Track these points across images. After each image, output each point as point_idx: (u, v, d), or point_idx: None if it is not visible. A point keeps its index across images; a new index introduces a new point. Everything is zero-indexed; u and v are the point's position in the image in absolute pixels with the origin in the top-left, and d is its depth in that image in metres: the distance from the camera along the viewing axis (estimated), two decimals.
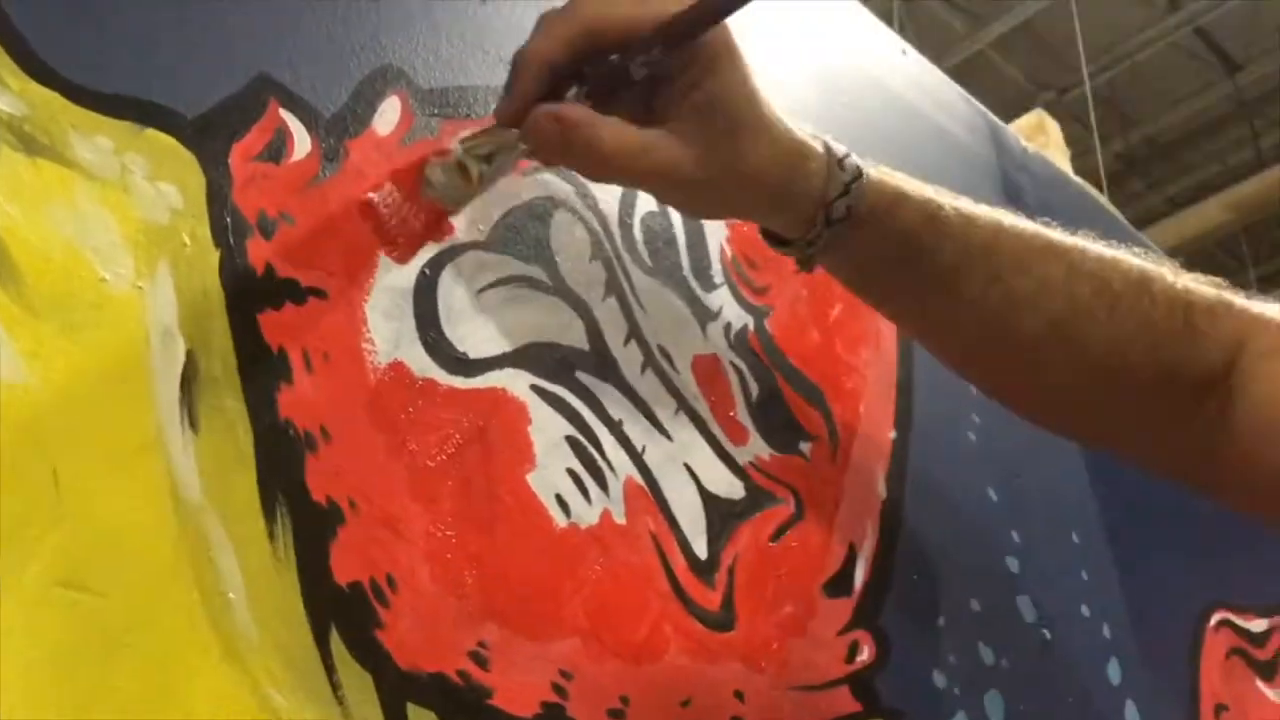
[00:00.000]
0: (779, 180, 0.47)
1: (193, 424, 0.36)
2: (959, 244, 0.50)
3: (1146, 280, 0.51)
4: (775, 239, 0.52)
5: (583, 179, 0.53)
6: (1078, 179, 1.05)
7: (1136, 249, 0.53)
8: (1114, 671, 0.71)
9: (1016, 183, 0.90)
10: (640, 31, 0.43)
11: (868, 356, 0.66)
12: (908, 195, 0.49)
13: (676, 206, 0.53)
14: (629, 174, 0.45)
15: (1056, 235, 0.52)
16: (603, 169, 0.45)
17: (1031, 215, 0.87)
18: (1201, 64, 4.77)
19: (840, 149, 0.49)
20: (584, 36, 0.44)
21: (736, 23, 0.44)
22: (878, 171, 0.49)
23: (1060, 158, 1.26)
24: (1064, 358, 0.50)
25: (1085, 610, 0.72)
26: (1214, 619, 0.85)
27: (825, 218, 0.48)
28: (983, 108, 0.91)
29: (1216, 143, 5.18)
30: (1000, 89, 4.65)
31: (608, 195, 0.54)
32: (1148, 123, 5.16)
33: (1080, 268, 0.50)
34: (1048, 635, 0.67)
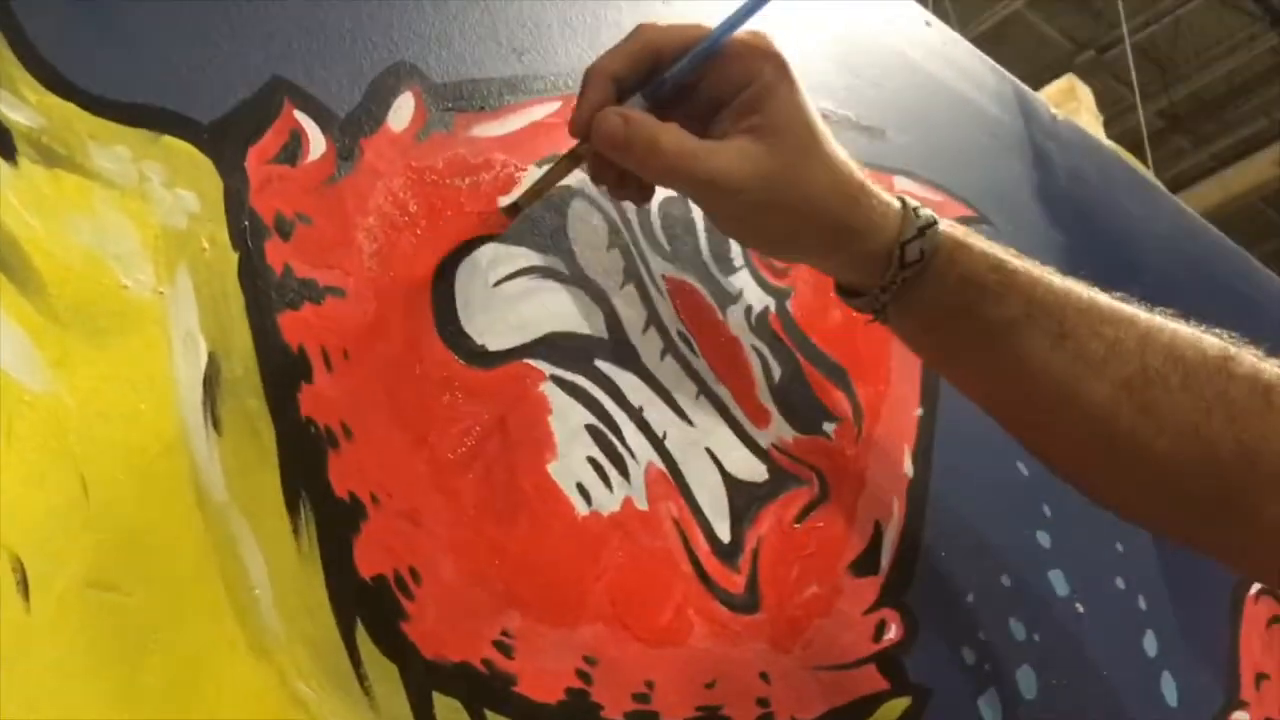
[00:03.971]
0: (837, 212, 0.47)
1: (216, 425, 0.36)
2: (1025, 296, 0.49)
3: (1226, 357, 0.48)
4: (848, 293, 0.52)
5: None
6: (1110, 144, 1.03)
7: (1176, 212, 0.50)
8: (1150, 644, 0.71)
9: (1045, 151, 0.89)
10: (695, 42, 0.46)
11: (892, 334, 0.65)
12: (972, 244, 0.49)
13: (737, 231, 0.51)
14: (685, 176, 0.45)
15: (1129, 305, 0.50)
16: (660, 167, 0.45)
17: (1060, 183, 0.86)
18: (1245, 16, 4.66)
19: (913, 200, 0.49)
20: (644, 50, 0.46)
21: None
22: (944, 223, 0.49)
23: (1092, 122, 1.24)
24: (1134, 425, 0.48)
25: (1120, 583, 0.71)
26: (1254, 588, 0.84)
27: (900, 260, 0.48)
28: (1011, 76, 0.90)
29: (1262, 97, 5.07)
30: (1039, 49, 4.58)
31: None
32: (1190, 79, 5.06)
33: (1155, 336, 0.49)
34: (1080, 609, 0.67)
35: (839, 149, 0.47)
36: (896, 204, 0.49)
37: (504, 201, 0.49)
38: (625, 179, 0.48)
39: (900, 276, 0.48)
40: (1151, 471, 0.49)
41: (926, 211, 0.49)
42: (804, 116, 0.46)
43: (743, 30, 0.46)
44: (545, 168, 0.49)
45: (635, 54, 0.46)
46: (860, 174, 0.48)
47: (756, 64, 0.46)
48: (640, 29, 0.46)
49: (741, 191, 0.45)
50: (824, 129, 0.47)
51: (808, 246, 0.50)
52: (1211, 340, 0.49)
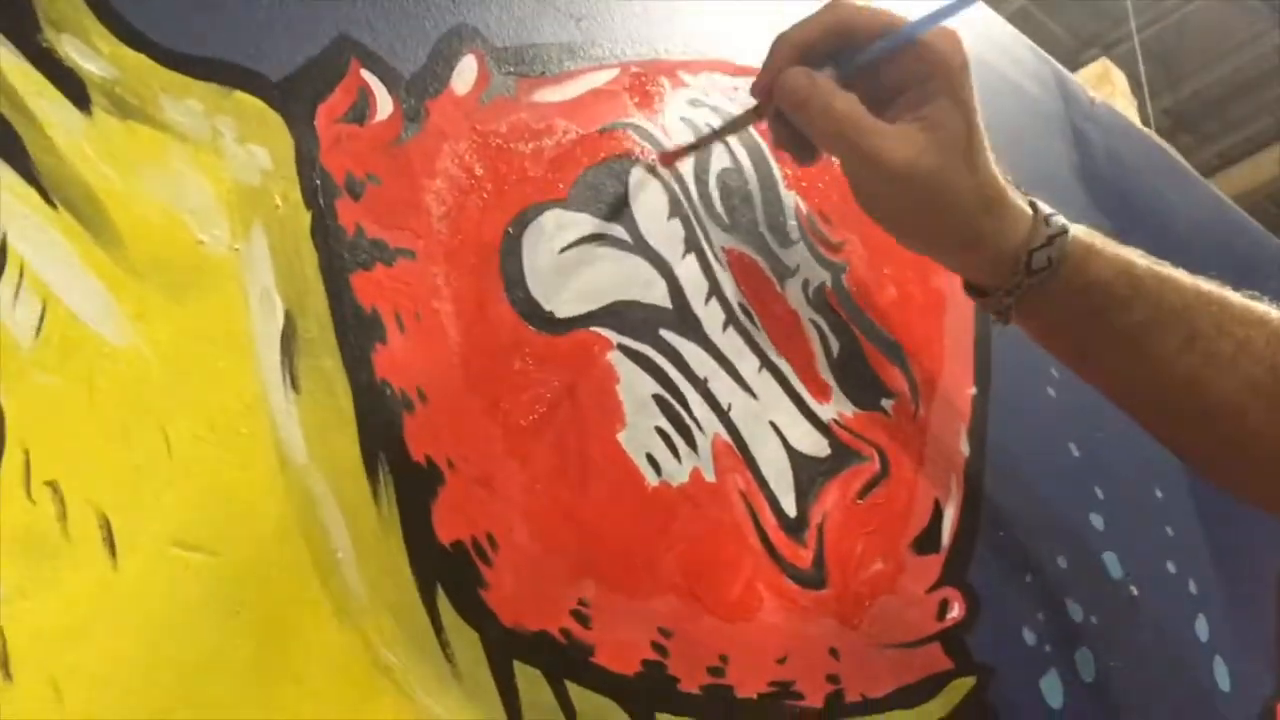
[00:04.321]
0: (973, 212, 0.48)
1: (294, 385, 0.35)
2: (1153, 300, 0.49)
3: None
4: (975, 290, 0.53)
5: (658, 133, 0.52)
6: (1146, 129, 1.02)
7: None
8: (1202, 628, 0.70)
9: (1085, 133, 0.88)
10: (889, 29, 0.48)
11: (945, 312, 0.64)
12: (1101, 250, 0.50)
13: (879, 210, 0.51)
14: (850, 144, 0.47)
15: (1258, 303, 0.51)
16: (830, 130, 0.47)
17: (1100, 165, 0.85)
18: (1251, 14, 4.65)
19: (1046, 208, 0.50)
20: (836, 24, 0.48)
21: None
22: (1076, 229, 0.50)
23: (1127, 107, 1.23)
24: (1265, 423, 0.49)
25: (1171, 566, 0.70)
26: None
27: (1027, 266, 0.49)
28: (1050, 58, 0.89)
29: (1267, 95, 5.06)
30: (1044, 46, 4.57)
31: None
32: (1196, 77, 5.05)
33: None
34: (1135, 592, 0.66)
35: (992, 157, 0.49)
36: (1029, 211, 0.50)
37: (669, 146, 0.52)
38: (797, 142, 0.50)
39: (1026, 283, 0.49)
40: None
41: (1058, 219, 0.50)
42: (971, 119, 0.48)
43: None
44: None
45: (826, 27, 0.48)
46: (1003, 182, 0.50)
47: (941, 60, 0.47)
48: (835, 4, 0.48)
49: (895, 174, 0.47)
50: (985, 138, 0.49)
51: (940, 242, 0.51)
52: None
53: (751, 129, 0.57)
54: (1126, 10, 4.14)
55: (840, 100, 0.47)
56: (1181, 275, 0.51)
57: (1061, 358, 0.55)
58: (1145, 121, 4.08)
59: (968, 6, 0.48)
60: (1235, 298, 0.51)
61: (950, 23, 0.79)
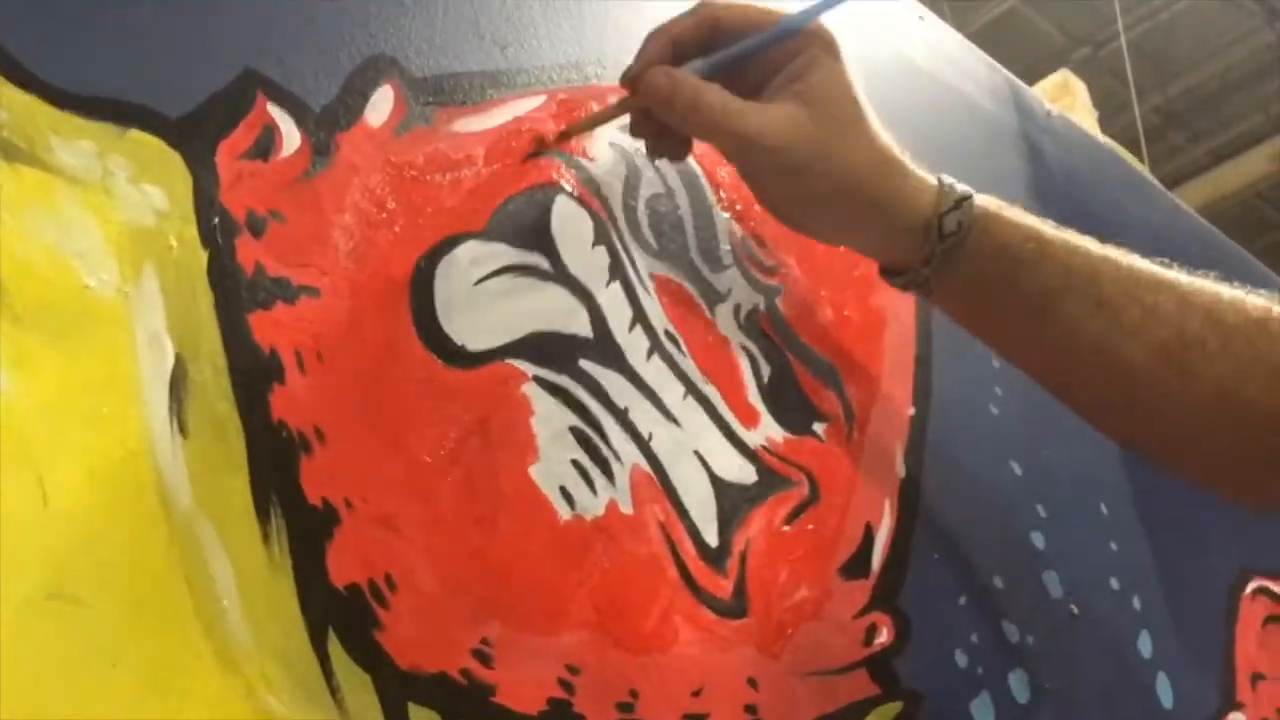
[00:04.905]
0: (873, 183, 0.48)
1: (182, 429, 0.35)
2: (1060, 265, 0.50)
3: (1268, 319, 0.49)
4: (890, 273, 0.53)
5: (584, 160, 0.52)
6: (1105, 139, 1.02)
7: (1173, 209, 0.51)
8: (1145, 644, 0.70)
9: (1039, 146, 0.88)
10: (756, 24, 0.48)
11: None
12: (1007, 215, 0.50)
13: (775, 196, 0.51)
14: (727, 130, 0.47)
15: (1169, 270, 0.51)
16: (702, 122, 0.47)
17: (1054, 178, 0.85)
18: (1240, 11, 4.65)
19: (947, 177, 0.51)
20: (709, 20, 0.48)
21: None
22: (979, 196, 0.50)
23: (1087, 118, 1.23)
24: (1172, 389, 0.49)
25: (1115, 583, 0.70)
26: (1250, 587, 0.83)
27: (939, 231, 0.49)
28: (1005, 71, 0.89)
29: (1257, 92, 5.06)
30: (1034, 44, 4.57)
31: (612, 179, 0.53)
32: (1186, 75, 5.05)
33: (1193, 300, 0.50)
34: (1075, 610, 0.66)
35: (880, 126, 0.49)
36: (933, 180, 0.50)
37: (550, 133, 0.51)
38: (664, 137, 0.51)
39: (940, 249, 0.49)
40: (1191, 430, 0.50)
41: (962, 186, 0.50)
42: (849, 90, 0.48)
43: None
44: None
45: (698, 22, 0.48)
46: (898, 151, 0.50)
47: (806, 39, 0.48)
48: (704, 2, 0.49)
49: (782, 150, 0.47)
50: (866, 105, 0.49)
51: (844, 217, 0.50)
52: (1255, 301, 0.50)
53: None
54: (1115, 9, 4.13)
55: (707, 92, 0.47)
56: (1090, 242, 0.51)
57: (973, 329, 0.55)
58: (1133, 120, 4.08)
59: (839, 3, 0.48)
60: (1144, 264, 0.51)
61: (910, 42, 0.79)
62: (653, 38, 0.49)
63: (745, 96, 0.48)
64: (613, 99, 0.52)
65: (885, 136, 0.49)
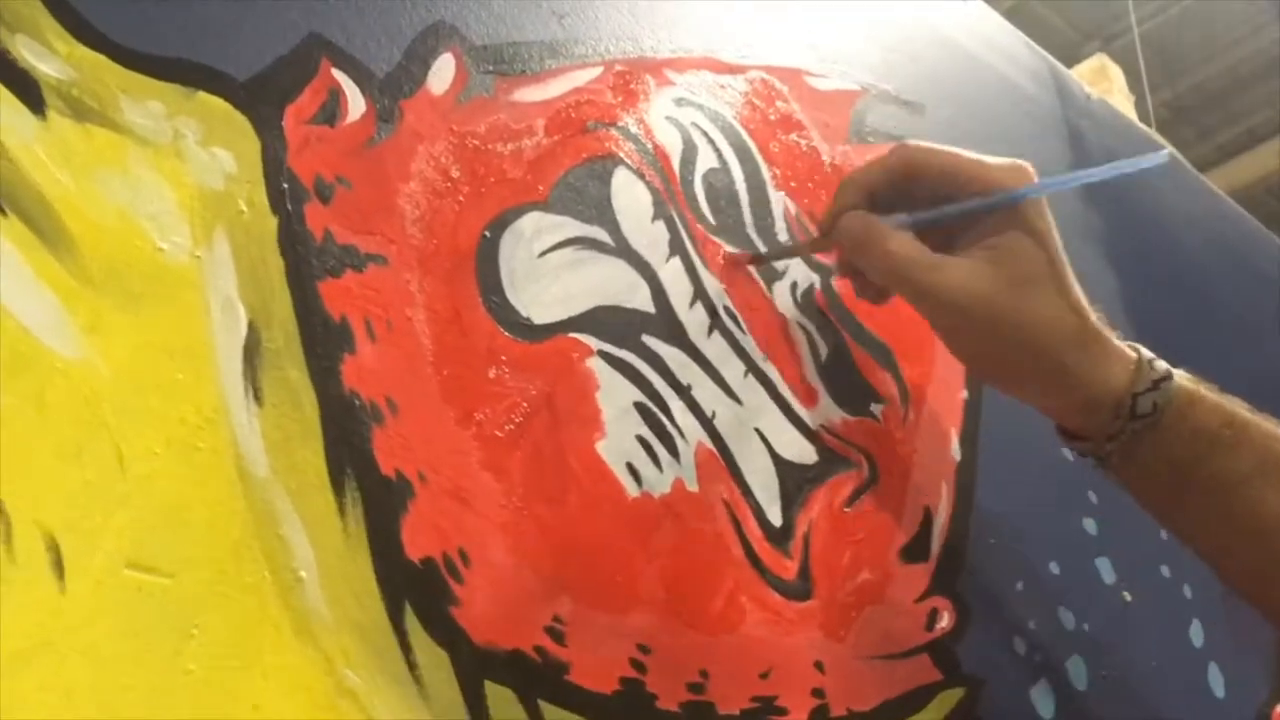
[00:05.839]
0: (1058, 350, 0.47)
1: (257, 397, 0.34)
2: (1258, 450, 0.47)
3: None
4: (1070, 436, 0.51)
5: (641, 133, 0.51)
6: (1142, 125, 1.01)
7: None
8: (1196, 634, 0.69)
9: (1080, 130, 0.87)
10: (956, 177, 0.48)
11: None
12: (1204, 396, 0.48)
13: (959, 350, 0.50)
14: (909, 283, 0.47)
15: None
16: (887, 270, 0.47)
17: (1094, 161, 0.84)
18: (1251, 7, 4.63)
19: (1147, 352, 0.49)
20: (904, 169, 0.48)
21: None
22: (1179, 374, 0.48)
23: (1124, 103, 1.22)
24: None
25: (1165, 571, 0.69)
26: None
27: (1131, 410, 0.47)
28: (1046, 54, 0.88)
29: (1268, 88, 5.04)
30: (1044, 39, 4.54)
31: (670, 152, 0.52)
32: (1197, 69, 5.03)
33: None
34: (1128, 597, 0.65)
35: (1075, 291, 0.47)
36: (1131, 354, 0.48)
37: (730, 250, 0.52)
38: (864, 280, 0.52)
39: (1130, 428, 0.47)
40: None
41: (1161, 364, 0.48)
42: (1045, 251, 0.46)
43: (1006, 159, 0.48)
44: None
45: (892, 169, 0.49)
46: (1094, 319, 0.48)
47: (1007, 187, 0.47)
48: (901, 147, 0.49)
49: (959, 309, 0.46)
50: (1065, 268, 0.47)
51: (1027, 381, 0.49)
52: None
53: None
54: (1126, 3, 4.11)
55: (895, 241, 0.47)
56: None
57: (1152, 507, 0.53)
58: (1145, 115, 4.06)
59: (1058, 188, 0.48)
60: None
61: (952, 23, 0.77)
62: (848, 184, 0.49)
63: (937, 247, 0.47)
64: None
65: (1079, 301, 0.47)
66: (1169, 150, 0.98)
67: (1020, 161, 0.48)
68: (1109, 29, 4.66)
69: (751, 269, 0.53)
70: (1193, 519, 0.51)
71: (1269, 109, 5.14)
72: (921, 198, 0.48)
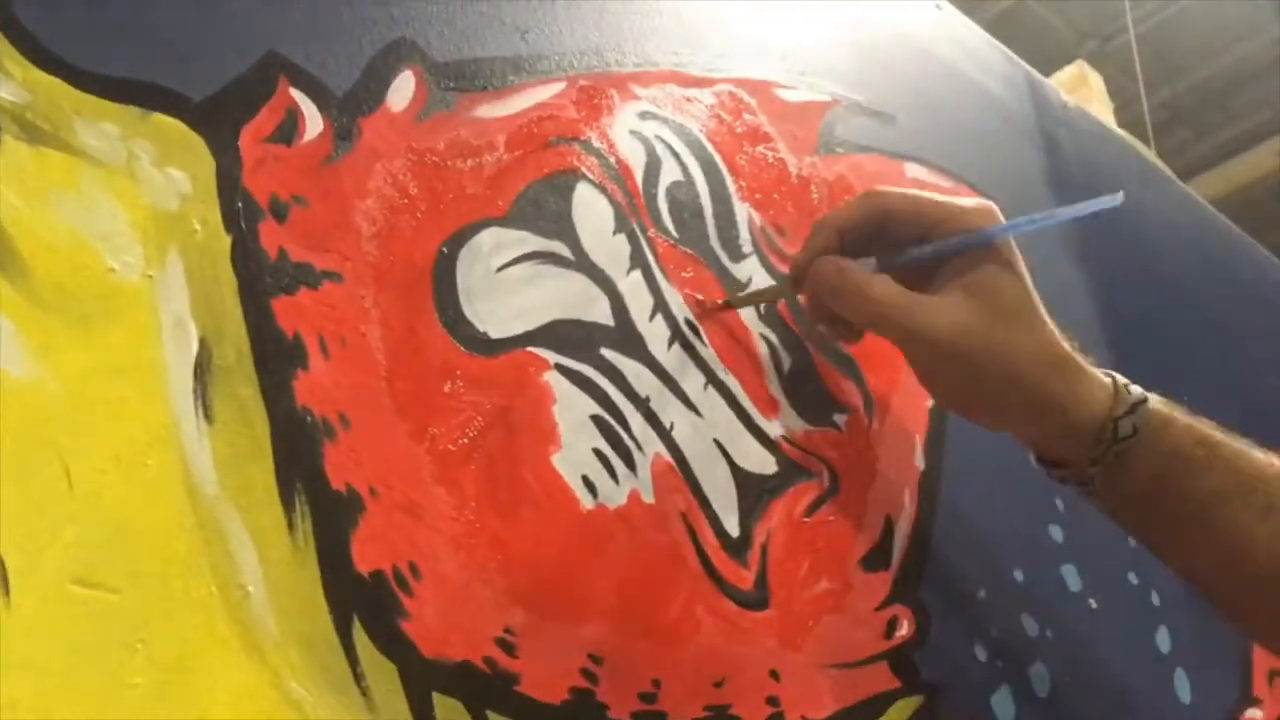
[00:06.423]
0: (1040, 380, 0.48)
1: (207, 415, 0.35)
2: (1231, 469, 0.49)
3: None
4: (1050, 464, 0.52)
5: (604, 147, 0.52)
6: (1121, 132, 1.01)
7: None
8: (1163, 640, 0.69)
9: (1055, 138, 0.87)
10: (927, 219, 0.49)
11: None
12: (1177, 417, 0.50)
13: (941, 388, 0.51)
14: (892, 325, 0.48)
15: None
16: (868, 314, 0.48)
17: (1070, 170, 0.84)
18: (1249, 6, 4.62)
19: (1120, 376, 0.50)
20: (879, 210, 0.49)
21: None
22: (1153, 397, 0.50)
23: (1103, 110, 1.22)
24: None
25: (1133, 578, 0.70)
26: None
27: (1113, 434, 0.48)
28: (1021, 62, 0.88)
29: (1266, 88, 5.04)
30: (1042, 38, 4.55)
31: (633, 166, 0.53)
32: (1194, 69, 5.03)
33: None
34: (1094, 604, 0.66)
35: (1049, 321, 0.49)
36: (1106, 380, 0.50)
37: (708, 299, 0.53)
38: (836, 321, 0.52)
39: (1113, 450, 0.48)
40: None
41: (1136, 388, 0.50)
42: (1019, 284, 0.48)
43: (972, 200, 0.50)
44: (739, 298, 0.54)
45: (865, 211, 0.49)
46: (1068, 347, 0.49)
47: (978, 226, 0.48)
48: (872, 191, 0.50)
49: (945, 346, 0.47)
50: (1037, 300, 0.49)
51: (1011, 412, 0.50)
52: None
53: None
54: (1124, 3, 4.11)
55: (874, 285, 0.48)
56: (1252, 447, 0.50)
57: (1131, 528, 0.54)
58: (1141, 115, 4.06)
59: (1032, 227, 0.48)
60: None
61: (926, 32, 0.78)
62: (820, 227, 0.50)
63: (912, 285, 0.48)
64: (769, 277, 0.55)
65: (1053, 331, 0.49)
66: (1141, 149, 0.98)
67: (986, 201, 0.50)
68: (1106, 29, 4.66)
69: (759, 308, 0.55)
70: (1170, 539, 0.52)
71: (1267, 109, 5.14)
72: (892, 239, 0.50)
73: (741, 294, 0.55)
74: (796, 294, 0.52)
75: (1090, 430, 0.49)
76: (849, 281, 0.48)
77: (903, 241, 0.49)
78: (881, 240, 0.50)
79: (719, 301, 0.53)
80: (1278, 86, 4.98)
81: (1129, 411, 0.49)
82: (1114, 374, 0.50)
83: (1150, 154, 1.03)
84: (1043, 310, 0.49)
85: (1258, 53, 4.88)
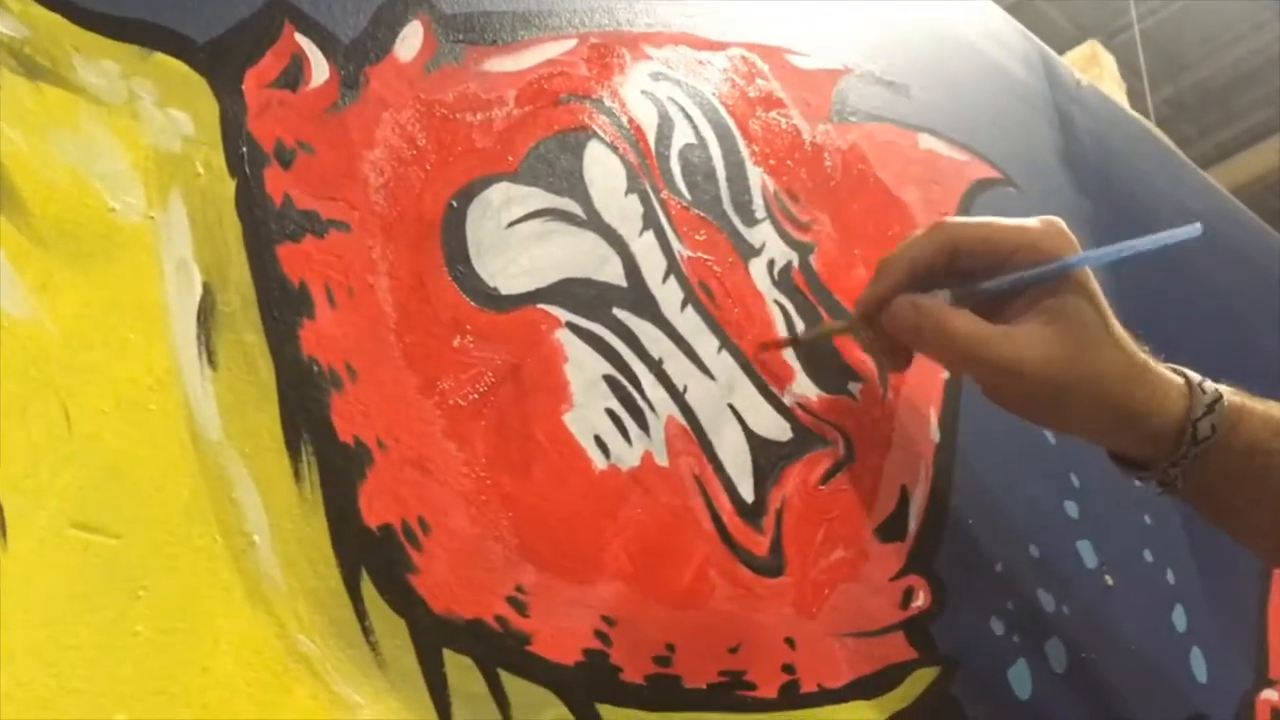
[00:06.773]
0: (1123, 394, 0.48)
1: (211, 360, 0.34)
2: None
3: None
4: (1129, 464, 0.52)
5: (616, 106, 0.51)
6: (1134, 112, 1.00)
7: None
8: (1179, 618, 0.68)
9: (1069, 116, 0.86)
10: (1000, 247, 0.48)
11: None
12: (1252, 409, 0.50)
13: (1027, 412, 0.51)
14: (976, 361, 0.47)
15: None
16: (952, 353, 0.48)
17: (1084, 147, 0.83)
18: (1252, 4, 4.61)
19: (1194, 374, 0.51)
20: (949, 243, 0.48)
21: None
22: (1226, 390, 0.50)
23: (1115, 89, 1.21)
24: None
25: (1148, 555, 0.69)
26: None
27: (1193, 436, 0.49)
28: (1036, 39, 0.87)
29: (1268, 85, 5.03)
30: (1045, 35, 4.53)
31: (645, 127, 0.52)
32: (1197, 67, 5.02)
33: None
34: (1109, 581, 0.64)
35: (1124, 333, 0.49)
36: (1180, 380, 0.50)
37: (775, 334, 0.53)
38: (894, 352, 0.52)
39: (1193, 452, 0.49)
40: None
41: (1210, 385, 0.50)
42: (1095, 303, 0.48)
43: (1040, 219, 0.49)
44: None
45: (935, 245, 0.48)
46: (1143, 355, 0.49)
47: (1053, 253, 0.48)
48: (940, 224, 0.49)
49: (1034, 377, 0.46)
50: (1112, 316, 0.49)
51: (1096, 426, 0.51)
52: None
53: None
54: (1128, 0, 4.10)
55: (954, 320, 0.47)
56: None
57: (1211, 517, 0.54)
58: (1145, 112, 4.05)
59: (1111, 259, 0.48)
60: None
61: (942, 6, 0.77)
62: (890, 265, 0.49)
63: (985, 314, 0.48)
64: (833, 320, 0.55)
65: (1129, 342, 0.49)
66: (1153, 129, 0.97)
67: (1053, 219, 0.49)
68: (1110, 25, 4.65)
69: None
70: (1252, 527, 0.53)
71: (1270, 106, 5.13)
72: (961, 270, 0.49)
73: (804, 333, 0.54)
74: (868, 332, 0.51)
75: (1171, 434, 0.49)
76: (929, 320, 0.47)
77: (973, 272, 0.49)
78: (951, 272, 0.49)
79: (781, 339, 0.53)
80: (1279, 85, 4.98)
81: (1207, 412, 0.49)
82: (1184, 371, 0.51)
83: (1163, 136, 1.01)
84: (1117, 325, 0.49)
85: (1260, 51, 4.88)
